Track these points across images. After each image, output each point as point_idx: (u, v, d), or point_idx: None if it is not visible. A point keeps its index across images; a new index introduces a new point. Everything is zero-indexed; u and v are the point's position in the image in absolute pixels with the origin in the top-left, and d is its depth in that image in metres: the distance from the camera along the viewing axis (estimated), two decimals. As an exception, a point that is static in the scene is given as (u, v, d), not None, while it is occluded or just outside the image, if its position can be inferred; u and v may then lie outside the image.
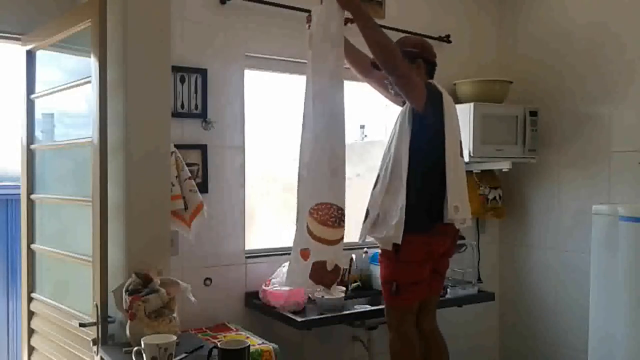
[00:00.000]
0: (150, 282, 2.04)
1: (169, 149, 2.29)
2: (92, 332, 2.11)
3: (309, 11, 3.07)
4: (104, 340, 2.11)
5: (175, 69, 2.65)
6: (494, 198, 3.68)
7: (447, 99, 2.59)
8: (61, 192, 2.53)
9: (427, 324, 2.73)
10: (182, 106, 2.79)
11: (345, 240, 2.37)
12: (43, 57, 2.67)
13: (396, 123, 2.60)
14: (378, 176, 2.63)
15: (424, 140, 2.51)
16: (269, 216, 3.28)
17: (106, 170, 2.12)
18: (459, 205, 2.51)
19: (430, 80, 2.64)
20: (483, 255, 3.77)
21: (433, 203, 2.53)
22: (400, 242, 2.46)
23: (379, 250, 2.67)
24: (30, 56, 2.69)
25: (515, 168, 3.51)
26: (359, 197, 2.77)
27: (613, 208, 2.84)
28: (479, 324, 3.80)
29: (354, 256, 3.15)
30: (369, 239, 2.67)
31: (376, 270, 2.98)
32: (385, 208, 2.53)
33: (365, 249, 3.20)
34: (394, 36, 2.76)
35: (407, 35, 2.87)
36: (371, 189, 2.64)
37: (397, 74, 2.43)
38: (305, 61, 3.12)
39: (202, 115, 2.83)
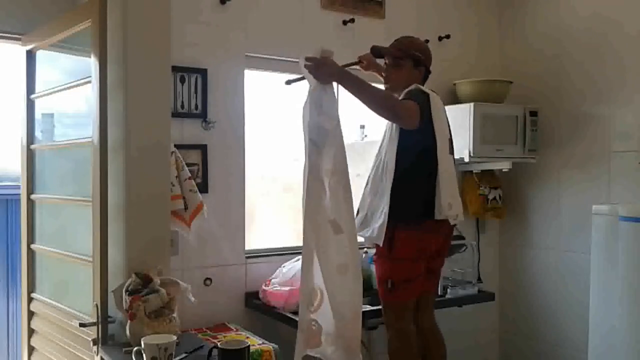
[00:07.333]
0: (150, 282, 2.04)
1: (169, 149, 2.29)
2: (92, 332, 2.12)
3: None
4: (104, 340, 2.11)
5: (175, 69, 2.65)
6: (494, 198, 3.68)
7: (433, 99, 2.57)
8: (61, 192, 2.53)
9: (426, 322, 2.75)
10: (182, 106, 2.79)
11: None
12: (43, 57, 2.67)
13: (387, 125, 2.64)
14: (369, 177, 2.67)
15: (413, 143, 2.53)
16: (269, 216, 3.28)
17: (106, 170, 2.12)
18: (451, 202, 2.56)
19: (419, 85, 2.63)
20: (483, 255, 3.76)
21: (423, 201, 2.56)
22: (381, 243, 2.51)
23: (374, 250, 2.69)
24: (30, 56, 2.68)
25: (515, 168, 3.51)
26: (358, 197, 2.77)
27: (613, 208, 2.85)
28: (479, 323, 3.80)
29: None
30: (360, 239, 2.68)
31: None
32: (372, 209, 2.58)
33: (365, 249, 3.20)
34: (394, 36, 2.76)
35: (412, 37, 2.83)
36: (364, 187, 2.69)
37: (401, 120, 2.48)
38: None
39: (202, 115, 2.83)
